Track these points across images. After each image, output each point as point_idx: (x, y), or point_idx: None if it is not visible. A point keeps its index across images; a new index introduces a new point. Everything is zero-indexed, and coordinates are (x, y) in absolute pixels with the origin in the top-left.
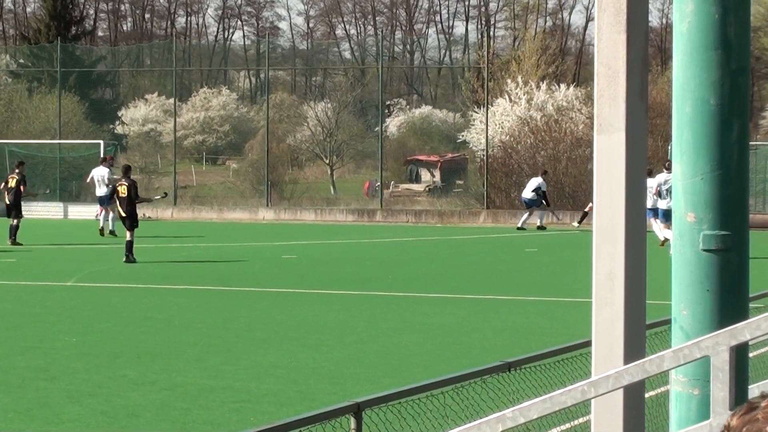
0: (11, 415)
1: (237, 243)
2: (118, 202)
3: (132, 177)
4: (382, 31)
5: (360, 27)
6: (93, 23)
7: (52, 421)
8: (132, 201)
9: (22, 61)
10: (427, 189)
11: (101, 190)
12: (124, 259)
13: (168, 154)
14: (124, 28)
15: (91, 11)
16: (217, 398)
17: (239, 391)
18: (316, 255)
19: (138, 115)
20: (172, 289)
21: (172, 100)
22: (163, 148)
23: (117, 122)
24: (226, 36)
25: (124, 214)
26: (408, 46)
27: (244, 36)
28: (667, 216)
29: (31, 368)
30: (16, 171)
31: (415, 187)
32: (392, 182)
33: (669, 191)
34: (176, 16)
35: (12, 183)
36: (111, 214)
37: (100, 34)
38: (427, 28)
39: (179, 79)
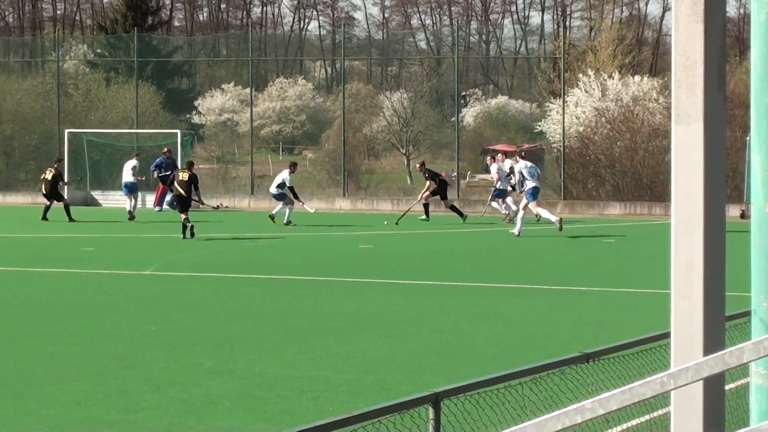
0: (91, 403)
1: (314, 233)
2: (177, 185)
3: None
4: (457, 21)
5: (435, 17)
6: (169, 13)
7: (131, 409)
8: (191, 186)
9: (99, 51)
10: None
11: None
12: (182, 236)
13: (245, 144)
14: (200, 18)
15: (167, 1)
16: (295, 387)
17: (317, 380)
18: (393, 245)
19: (214, 104)
20: (250, 278)
21: (248, 90)
22: (240, 138)
23: (194, 112)
24: (301, 26)
25: (185, 194)
26: (484, 36)
27: (319, 26)
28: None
29: (110, 356)
30: (54, 166)
31: (491, 177)
32: (468, 172)
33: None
34: (252, 6)
35: (48, 175)
36: (133, 201)
37: (176, 24)
38: (503, 18)
39: (255, 69)
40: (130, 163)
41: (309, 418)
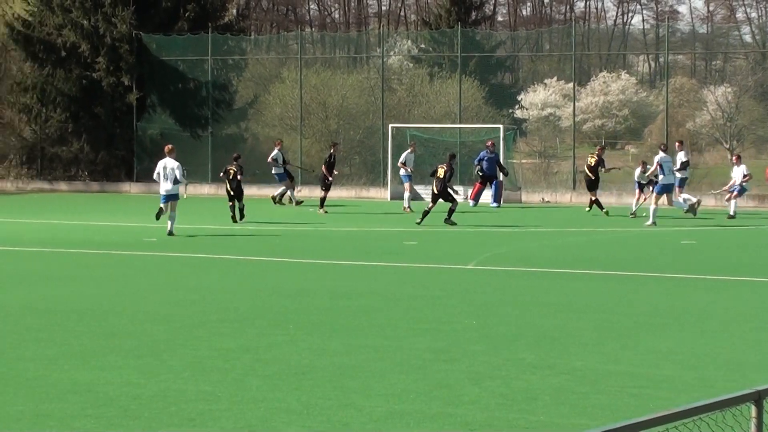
0: (412, 396)
1: (635, 228)
2: (435, 182)
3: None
4: None
5: (761, 10)
6: (493, 8)
7: (451, 402)
8: (445, 182)
9: (423, 46)
10: None
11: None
12: (446, 217)
13: (566, 139)
14: (524, 13)
15: None
16: (616, 383)
17: (637, 376)
18: (716, 240)
19: (537, 99)
20: (569, 273)
21: (571, 85)
22: (562, 133)
23: (516, 107)
24: (624, 20)
25: (437, 192)
26: None
27: (643, 20)
28: (663, 189)
29: (431, 350)
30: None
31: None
32: None
33: (669, 168)
34: (575, 0)
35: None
36: (407, 193)
37: (499, 19)
38: None
39: (578, 63)
40: (403, 156)
41: (630, 414)
